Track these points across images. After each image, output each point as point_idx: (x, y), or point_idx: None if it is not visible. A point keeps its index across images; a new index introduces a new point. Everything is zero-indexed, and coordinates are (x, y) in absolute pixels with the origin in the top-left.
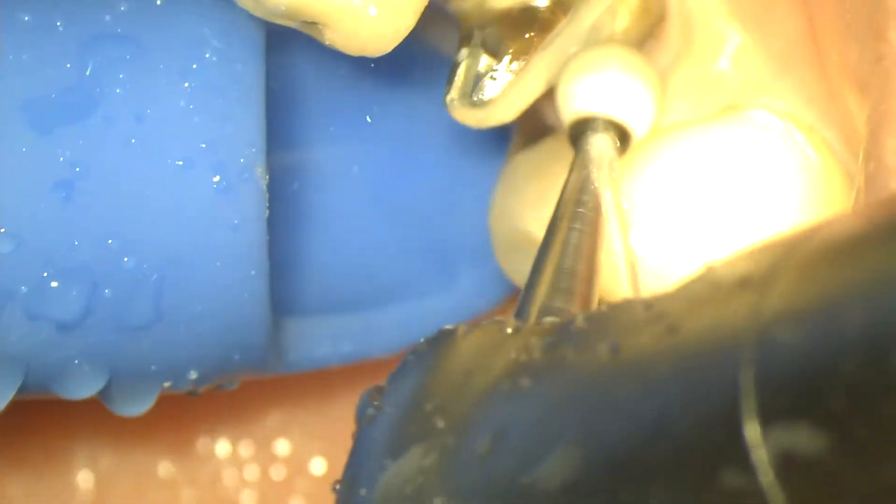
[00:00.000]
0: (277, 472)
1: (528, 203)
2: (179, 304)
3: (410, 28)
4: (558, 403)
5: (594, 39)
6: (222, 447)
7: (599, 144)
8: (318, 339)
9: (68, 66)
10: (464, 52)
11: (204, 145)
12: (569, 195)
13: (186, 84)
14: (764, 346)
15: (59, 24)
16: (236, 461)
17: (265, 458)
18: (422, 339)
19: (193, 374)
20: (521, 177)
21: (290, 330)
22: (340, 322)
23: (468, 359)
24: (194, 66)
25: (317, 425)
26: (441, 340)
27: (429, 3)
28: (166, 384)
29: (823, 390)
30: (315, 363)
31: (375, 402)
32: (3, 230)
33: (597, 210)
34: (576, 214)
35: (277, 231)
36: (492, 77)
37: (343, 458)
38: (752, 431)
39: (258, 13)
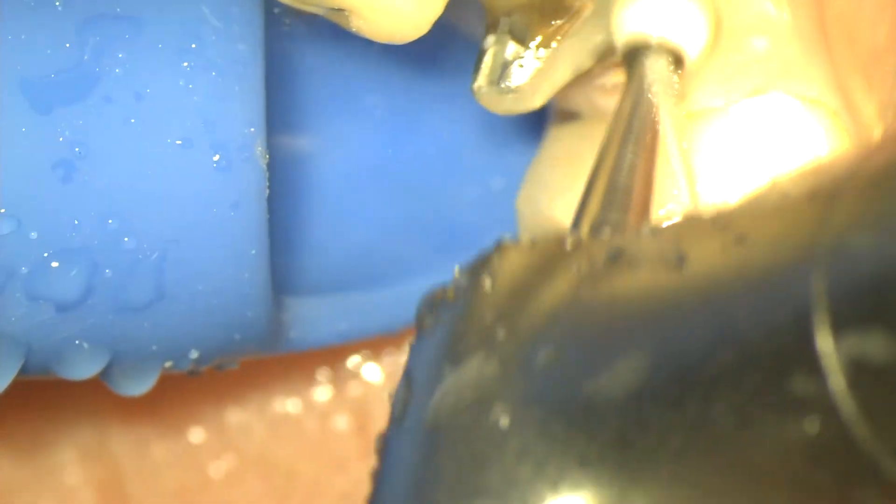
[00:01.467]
0: (281, 450)
1: (555, 189)
2: (180, 284)
3: (438, 15)
4: (623, 313)
5: None
6: (223, 426)
7: (655, 65)
8: (318, 317)
9: (67, 45)
10: (490, 39)
11: (203, 124)
12: (622, 114)
13: (186, 63)
14: (836, 252)
15: (57, 3)
16: (236, 440)
17: (268, 436)
18: (480, 252)
19: (194, 354)
20: (549, 162)
21: (291, 309)
22: (341, 301)
23: (529, 272)
24: (193, 45)
25: (316, 402)
26: (499, 254)
27: None
28: (167, 364)
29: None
30: (316, 342)
31: (433, 313)
32: (2, 211)
33: (653, 129)
34: (630, 133)
35: (278, 210)
36: (519, 64)
37: (349, 433)
38: (824, 338)
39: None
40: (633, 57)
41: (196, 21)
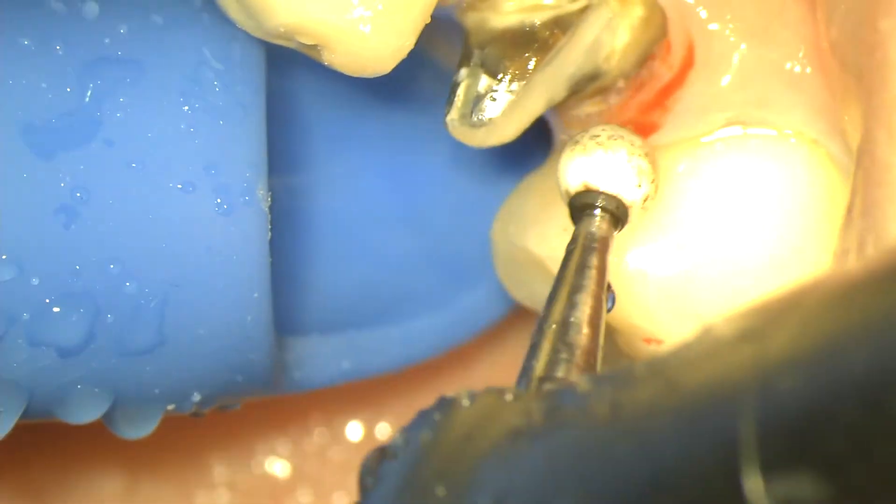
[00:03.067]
0: (284, 492)
1: (527, 220)
2: (182, 328)
3: (409, 48)
4: (557, 464)
5: (593, 58)
6: (226, 468)
7: (598, 219)
8: (322, 357)
9: (69, 90)
10: (463, 72)
11: (204, 168)
12: (569, 268)
13: (187, 107)
14: (765, 395)
15: (58, 47)
16: (238, 481)
17: (269, 478)
18: (420, 410)
19: (197, 397)
20: (522, 194)
21: (294, 349)
22: (344, 339)
23: (468, 426)
24: (195, 88)
25: (317, 446)
26: (440, 409)
27: (429, 21)
28: (170, 407)
29: (824, 435)
30: (319, 382)
31: (374, 472)
32: (4, 256)
33: (599, 284)
34: (576, 287)
35: (280, 250)
36: (492, 97)
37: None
38: (753, 482)
39: (258, 34)
40: (579, 208)
41: (197, 64)
